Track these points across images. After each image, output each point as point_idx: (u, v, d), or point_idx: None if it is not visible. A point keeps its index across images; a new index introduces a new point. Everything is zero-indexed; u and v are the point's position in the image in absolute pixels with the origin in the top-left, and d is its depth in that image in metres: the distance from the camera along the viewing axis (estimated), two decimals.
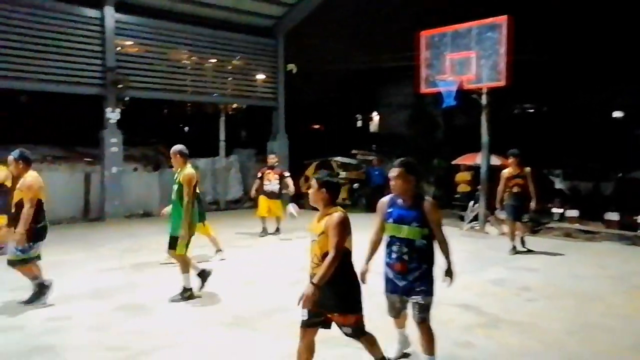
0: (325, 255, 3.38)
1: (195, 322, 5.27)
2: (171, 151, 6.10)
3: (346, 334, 3.59)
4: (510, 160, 8.85)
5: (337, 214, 3.42)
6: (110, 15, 13.41)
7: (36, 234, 5.63)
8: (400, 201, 3.85)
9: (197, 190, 6.33)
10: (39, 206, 5.63)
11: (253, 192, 10.89)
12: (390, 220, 3.86)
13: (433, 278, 3.85)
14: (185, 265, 5.95)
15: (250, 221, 11.40)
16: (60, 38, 12.75)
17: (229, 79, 16.34)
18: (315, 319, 3.53)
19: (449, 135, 19.63)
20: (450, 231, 11.29)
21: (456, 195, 13.66)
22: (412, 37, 12.23)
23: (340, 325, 3.55)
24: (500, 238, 10.30)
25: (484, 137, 11.48)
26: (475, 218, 11.73)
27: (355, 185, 15.44)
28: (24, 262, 5.65)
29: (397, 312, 4.09)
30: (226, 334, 4.93)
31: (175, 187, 5.98)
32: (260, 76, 16.94)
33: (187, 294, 5.96)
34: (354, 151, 17.36)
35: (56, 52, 12.69)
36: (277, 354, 4.45)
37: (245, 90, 16.70)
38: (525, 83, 13.48)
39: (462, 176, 13.64)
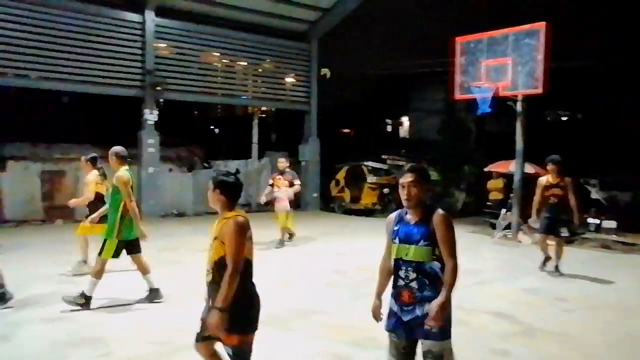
0: (218, 262, 3.00)
1: None
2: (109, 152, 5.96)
3: (229, 355, 3.06)
4: (550, 167, 7.90)
5: (232, 220, 3.00)
6: (151, 19, 13.81)
7: None
8: (408, 216, 3.09)
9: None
10: None
11: (263, 199, 10.18)
12: (397, 240, 3.11)
13: (450, 314, 3.05)
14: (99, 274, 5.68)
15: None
16: (103, 42, 13.22)
17: (262, 82, 16.60)
18: (206, 333, 3.12)
19: (481, 142, 19.45)
20: (481, 239, 11.38)
21: (488, 203, 13.54)
22: (446, 43, 12.22)
23: (223, 344, 3.04)
24: (534, 247, 10.18)
25: (519, 144, 11.37)
26: (508, 226, 11.62)
27: (386, 190, 15.46)
28: None
29: (402, 358, 3.14)
30: (260, 333, 5.04)
31: (110, 189, 5.93)
32: (293, 80, 17.14)
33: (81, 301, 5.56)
34: (383, 156, 17.39)
35: (99, 55, 13.15)
36: (311, 354, 4.54)
37: (277, 94, 16.93)
38: (559, 89, 13.26)
39: (495, 183, 13.51)
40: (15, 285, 5.90)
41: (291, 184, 9.74)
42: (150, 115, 13.74)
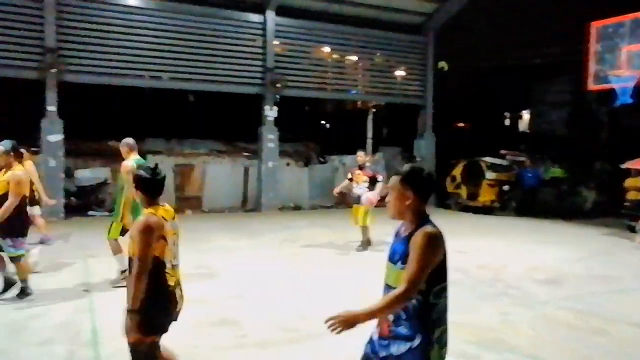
0: (129, 261, 2.91)
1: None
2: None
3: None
4: None
5: (142, 218, 2.87)
6: (271, 19, 14.38)
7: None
8: (402, 229, 2.50)
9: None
10: (23, 201, 5.52)
11: (336, 190, 9.44)
12: (387, 256, 2.53)
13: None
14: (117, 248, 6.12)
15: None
16: (227, 43, 14.00)
17: (374, 76, 16.54)
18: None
19: (616, 136, 17.74)
20: (618, 242, 10.40)
21: (625, 204, 12.31)
22: (576, 30, 11.29)
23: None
24: None
25: None
26: None
27: (506, 187, 14.69)
28: (20, 258, 5.54)
29: None
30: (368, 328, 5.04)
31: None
32: (406, 73, 16.89)
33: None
34: (502, 151, 16.54)
35: (223, 55, 13.95)
36: None
37: (390, 88, 16.78)
38: None
39: (634, 182, 12.22)
40: None
41: (372, 180, 8.70)
42: (270, 112, 14.33)
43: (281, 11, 14.53)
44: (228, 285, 6.43)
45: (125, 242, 6.14)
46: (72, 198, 13.07)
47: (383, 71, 16.62)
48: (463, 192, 15.45)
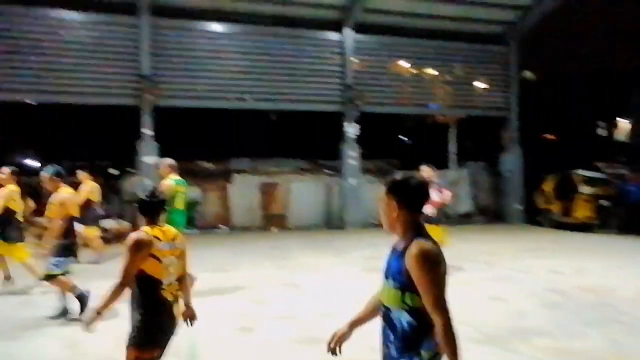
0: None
1: None
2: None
3: None
4: None
5: (133, 234, 2.96)
6: (350, 36, 14.53)
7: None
8: (399, 243, 2.23)
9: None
10: (69, 223, 5.68)
11: None
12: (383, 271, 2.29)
13: None
14: None
15: (485, 235, 10.98)
16: (307, 62, 14.35)
17: (454, 89, 16.16)
18: None
19: None
20: None
21: None
22: None
23: None
24: None
25: None
26: None
27: (604, 203, 13.64)
28: (57, 276, 5.60)
29: None
30: (479, 351, 4.78)
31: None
32: (490, 85, 16.33)
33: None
34: (598, 164, 15.44)
35: (303, 74, 14.29)
36: None
37: (473, 101, 16.32)
38: None
39: None
40: (249, 287, 6.62)
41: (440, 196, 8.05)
42: (351, 129, 14.41)
43: (359, 28, 14.65)
44: (315, 302, 6.44)
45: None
46: None
47: (464, 83, 16.24)
48: (555, 207, 14.57)
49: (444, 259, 2.10)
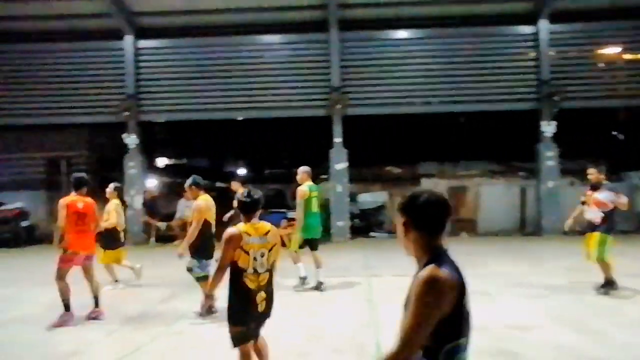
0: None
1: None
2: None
3: None
4: None
5: (228, 230, 3.58)
6: (545, 27, 13.37)
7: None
8: (418, 270, 1.93)
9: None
10: (205, 226, 6.04)
11: (569, 223, 7.50)
12: None
13: None
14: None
15: None
16: (496, 59, 13.63)
17: None
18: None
19: None
20: None
21: None
22: None
23: None
24: None
25: None
26: None
27: None
28: (205, 278, 5.84)
29: None
30: None
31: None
32: None
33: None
34: None
35: (492, 73, 13.60)
36: None
37: None
38: None
39: None
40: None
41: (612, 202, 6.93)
42: (548, 127, 13.34)
43: (555, 17, 13.37)
44: (509, 314, 6.08)
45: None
46: (355, 220, 14.43)
47: None
48: None
49: (455, 292, 1.78)
